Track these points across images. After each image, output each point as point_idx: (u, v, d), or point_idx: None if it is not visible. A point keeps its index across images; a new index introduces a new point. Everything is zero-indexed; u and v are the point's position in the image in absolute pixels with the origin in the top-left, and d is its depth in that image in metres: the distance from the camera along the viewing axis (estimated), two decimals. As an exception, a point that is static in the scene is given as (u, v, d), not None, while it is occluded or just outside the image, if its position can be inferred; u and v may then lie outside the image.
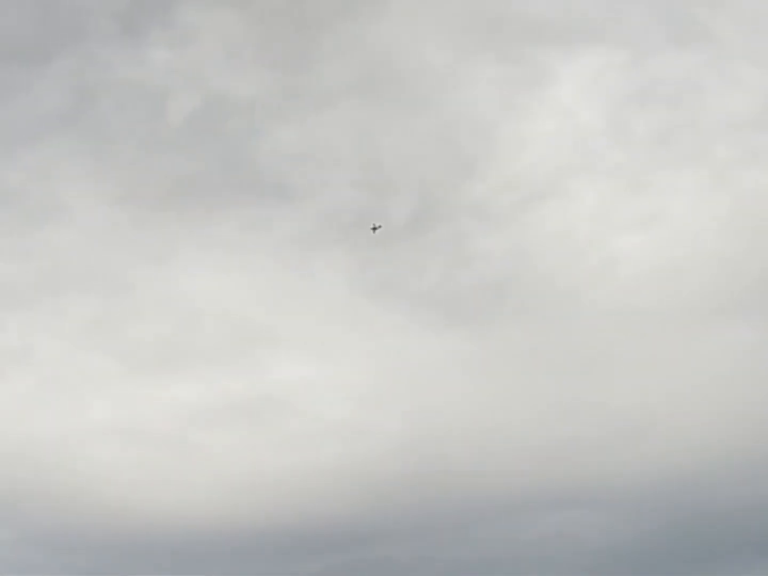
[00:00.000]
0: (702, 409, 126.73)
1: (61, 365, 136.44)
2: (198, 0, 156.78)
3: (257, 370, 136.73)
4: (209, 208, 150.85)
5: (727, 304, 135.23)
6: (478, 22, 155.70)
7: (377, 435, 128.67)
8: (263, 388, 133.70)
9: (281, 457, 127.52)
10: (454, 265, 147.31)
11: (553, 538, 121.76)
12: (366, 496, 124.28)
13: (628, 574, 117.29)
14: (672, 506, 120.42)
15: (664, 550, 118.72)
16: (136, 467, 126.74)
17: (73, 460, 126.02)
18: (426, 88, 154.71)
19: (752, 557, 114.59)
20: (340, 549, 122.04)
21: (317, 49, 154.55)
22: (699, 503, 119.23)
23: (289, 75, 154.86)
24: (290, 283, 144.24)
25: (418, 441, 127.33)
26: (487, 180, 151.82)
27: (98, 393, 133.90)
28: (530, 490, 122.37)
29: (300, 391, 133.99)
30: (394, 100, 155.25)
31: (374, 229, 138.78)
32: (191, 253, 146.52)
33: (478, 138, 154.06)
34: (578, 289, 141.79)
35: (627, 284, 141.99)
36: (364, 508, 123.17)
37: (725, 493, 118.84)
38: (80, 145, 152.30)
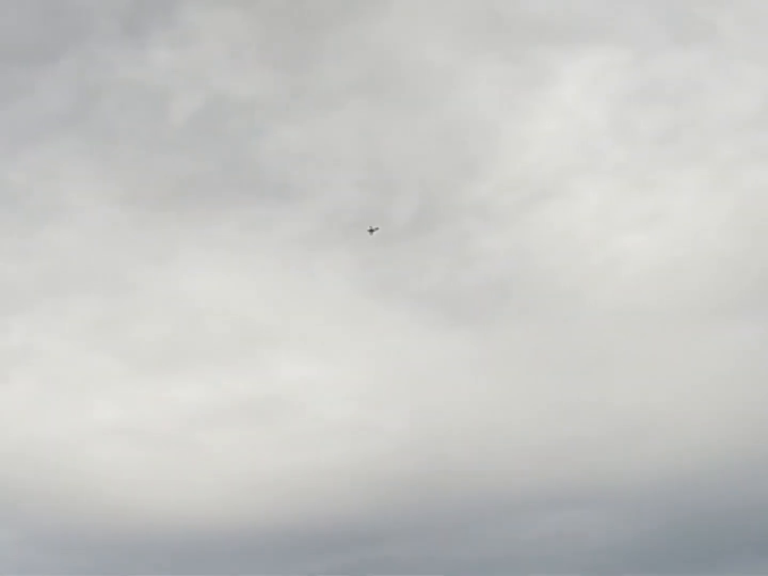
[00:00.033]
0: (703, 409, 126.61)
1: (63, 365, 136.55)
2: (200, 0, 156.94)
3: (259, 370, 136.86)
4: (211, 208, 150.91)
5: (729, 304, 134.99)
6: (480, 21, 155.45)
7: (379, 435, 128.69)
8: (265, 388, 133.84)
9: (283, 457, 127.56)
10: (456, 265, 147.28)
11: (553, 538, 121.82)
12: (367, 496, 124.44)
13: (628, 574, 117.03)
14: (672, 506, 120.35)
15: (665, 550, 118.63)
16: (137, 467, 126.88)
17: (74, 461, 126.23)
18: (428, 87, 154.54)
19: (752, 557, 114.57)
20: (342, 549, 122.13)
21: (319, 49, 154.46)
22: (699, 503, 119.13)
23: (290, 75, 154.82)
24: (292, 283, 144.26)
25: (419, 441, 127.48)
26: (490, 180, 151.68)
27: (100, 393, 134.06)
28: (530, 490, 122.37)
29: (302, 390, 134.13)
30: (396, 100, 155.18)
31: (371, 231, 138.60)
32: (193, 253, 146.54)
33: (480, 138, 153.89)
34: (581, 288, 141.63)
35: (629, 284, 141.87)
36: (366, 508, 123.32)
37: (725, 493, 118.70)
38: (82, 146, 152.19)
